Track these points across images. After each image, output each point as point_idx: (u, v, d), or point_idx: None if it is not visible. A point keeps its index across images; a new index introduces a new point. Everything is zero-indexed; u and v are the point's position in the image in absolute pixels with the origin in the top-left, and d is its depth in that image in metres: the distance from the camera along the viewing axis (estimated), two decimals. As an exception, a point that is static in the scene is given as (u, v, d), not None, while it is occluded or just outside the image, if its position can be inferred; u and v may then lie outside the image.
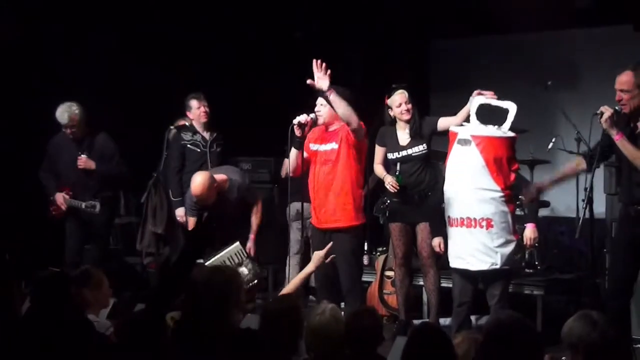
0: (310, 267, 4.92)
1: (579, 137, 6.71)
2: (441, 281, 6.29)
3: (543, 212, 6.55)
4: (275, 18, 8.42)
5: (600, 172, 6.11)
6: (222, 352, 3.24)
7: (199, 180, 6.23)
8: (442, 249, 5.89)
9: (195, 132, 7.05)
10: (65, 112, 6.77)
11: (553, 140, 7.06)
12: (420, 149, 6.17)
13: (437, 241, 5.95)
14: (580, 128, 6.69)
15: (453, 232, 5.65)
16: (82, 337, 3.27)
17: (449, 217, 5.67)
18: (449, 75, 9.10)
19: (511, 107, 5.62)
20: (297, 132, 5.71)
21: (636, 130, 5.10)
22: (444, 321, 6.26)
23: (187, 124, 7.11)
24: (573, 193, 6.62)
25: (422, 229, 6.21)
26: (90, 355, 3.20)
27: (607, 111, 4.97)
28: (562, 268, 7.29)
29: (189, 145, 7.03)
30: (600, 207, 6.08)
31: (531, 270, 6.95)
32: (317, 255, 4.98)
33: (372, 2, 8.36)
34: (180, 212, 6.93)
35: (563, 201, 7.76)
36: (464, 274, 5.64)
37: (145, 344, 2.97)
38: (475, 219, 5.50)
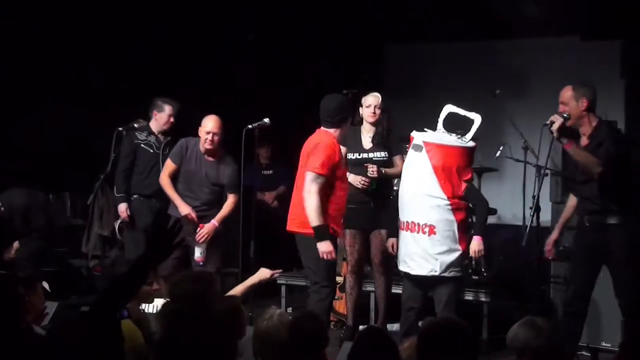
0: (254, 279, 4.97)
1: (527, 146, 6.80)
2: (392, 287, 6.32)
3: (490, 220, 6.59)
4: (229, 20, 8.38)
5: (546, 181, 6.20)
6: None
7: (213, 117, 6.44)
8: (395, 251, 5.89)
9: (150, 132, 6.97)
10: None
11: (501, 148, 7.13)
12: (381, 155, 6.25)
13: (391, 242, 5.94)
14: (527, 137, 6.78)
15: (401, 235, 5.69)
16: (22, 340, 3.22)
17: (399, 220, 5.70)
18: (400, 80, 9.13)
19: (477, 118, 5.69)
20: None
21: (582, 142, 5.26)
22: (391, 326, 6.27)
23: (143, 124, 6.98)
24: (520, 201, 6.69)
25: (376, 236, 6.24)
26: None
27: (557, 120, 5.16)
28: (508, 275, 7.36)
29: (142, 145, 6.91)
30: (546, 216, 6.15)
31: (477, 277, 7.01)
32: (263, 272, 5.02)
33: (326, 5, 8.37)
34: (122, 208, 6.83)
35: (510, 209, 7.84)
36: (414, 279, 5.66)
37: (92, 347, 2.90)
38: (419, 224, 5.53)
